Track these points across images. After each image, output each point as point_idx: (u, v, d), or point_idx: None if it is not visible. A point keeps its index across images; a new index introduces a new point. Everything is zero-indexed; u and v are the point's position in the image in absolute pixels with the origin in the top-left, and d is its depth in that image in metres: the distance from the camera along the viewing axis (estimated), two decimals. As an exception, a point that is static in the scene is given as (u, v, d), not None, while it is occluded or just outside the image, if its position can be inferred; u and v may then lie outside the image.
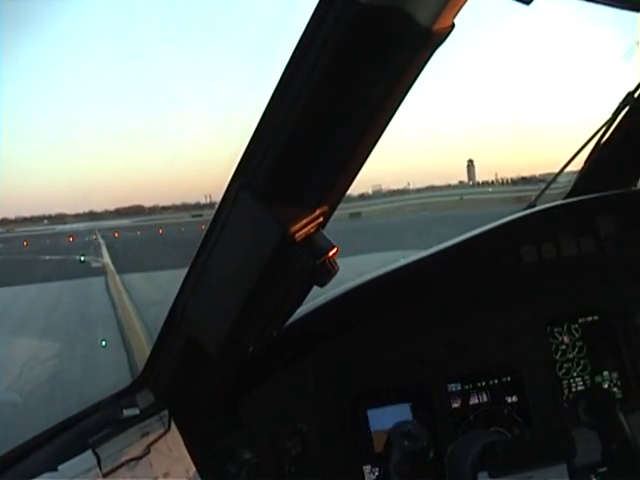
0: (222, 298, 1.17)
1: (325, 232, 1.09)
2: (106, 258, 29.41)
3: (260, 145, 1.02)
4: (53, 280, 23.13)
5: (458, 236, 1.97)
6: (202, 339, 1.25)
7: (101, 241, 46.96)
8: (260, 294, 1.10)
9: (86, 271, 25.23)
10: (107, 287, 19.45)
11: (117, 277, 20.69)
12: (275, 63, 1.00)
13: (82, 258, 30.38)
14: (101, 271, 24.13)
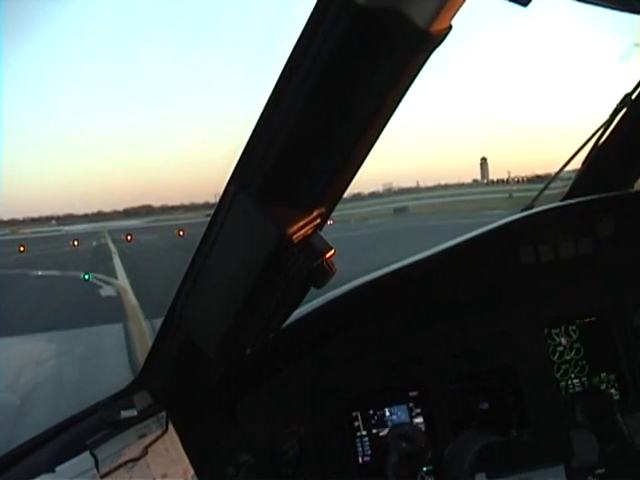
0: (219, 300, 1.17)
1: (322, 233, 1.09)
2: (121, 277, 21.21)
3: (257, 146, 1.02)
4: (27, 332, 12.67)
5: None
6: (199, 341, 1.25)
7: (112, 247, 40.68)
8: (257, 296, 1.10)
9: (90, 307, 15.22)
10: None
11: (145, 327, 11.26)
12: (273, 64, 1.00)
13: (86, 276, 21.76)
14: (114, 306, 14.46)
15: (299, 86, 0.93)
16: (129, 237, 48.27)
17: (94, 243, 47.66)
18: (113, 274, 22.75)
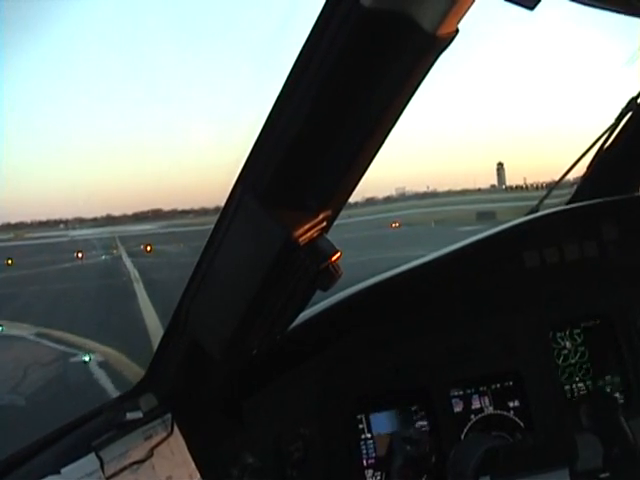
0: (225, 302, 1.17)
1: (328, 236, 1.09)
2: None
3: (264, 149, 1.03)
4: None
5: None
6: (205, 342, 1.25)
7: (129, 266, 27.04)
8: (263, 298, 1.10)
9: None
10: None
11: None
12: (280, 67, 1.01)
13: (86, 357, 10.63)
14: None
15: (306, 89, 0.93)
16: (148, 247, 34.80)
17: (103, 257, 32.64)
18: (144, 344, 9.76)
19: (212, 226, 1.16)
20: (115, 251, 35.77)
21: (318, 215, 1.06)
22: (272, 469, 1.66)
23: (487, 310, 1.94)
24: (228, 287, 1.16)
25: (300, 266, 1.04)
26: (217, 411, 1.64)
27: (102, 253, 35.73)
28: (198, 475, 1.44)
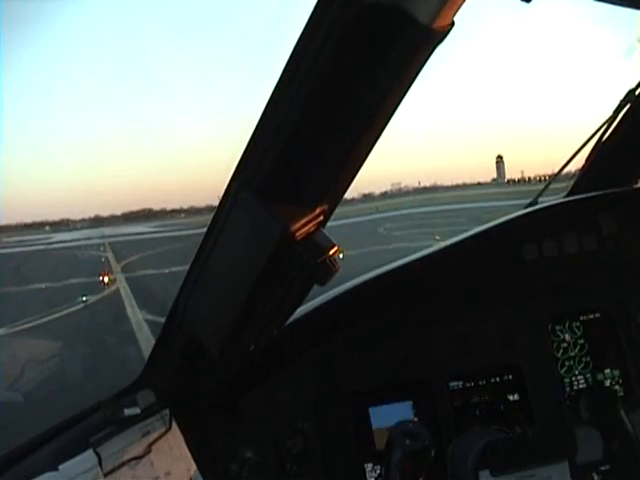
0: (223, 297, 1.17)
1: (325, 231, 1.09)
2: None
3: (260, 144, 1.02)
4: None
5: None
6: (203, 338, 1.25)
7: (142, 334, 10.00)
8: (260, 293, 1.10)
9: None
10: None
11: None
12: (275, 61, 1.00)
13: None
14: None
15: (301, 82, 0.93)
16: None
17: (84, 297, 15.15)
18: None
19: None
20: (106, 276, 19.68)
21: (315, 209, 1.05)
22: (271, 464, 1.66)
23: (486, 303, 1.94)
24: (225, 282, 1.15)
25: (297, 261, 1.03)
26: (215, 406, 1.64)
27: (80, 293, 16.12)
28: (196, 471, 1.44)
